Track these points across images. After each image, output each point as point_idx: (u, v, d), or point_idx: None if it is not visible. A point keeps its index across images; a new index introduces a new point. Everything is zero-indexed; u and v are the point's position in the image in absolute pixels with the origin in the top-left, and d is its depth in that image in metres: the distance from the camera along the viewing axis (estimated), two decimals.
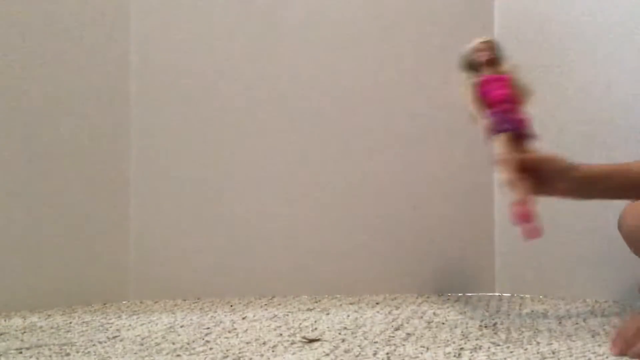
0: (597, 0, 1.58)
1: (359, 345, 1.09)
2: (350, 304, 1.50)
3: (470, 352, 1.04)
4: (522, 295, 1.63)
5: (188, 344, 1.12)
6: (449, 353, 1.04)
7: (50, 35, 1.51)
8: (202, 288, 1.61)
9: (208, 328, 1.26)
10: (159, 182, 1.63)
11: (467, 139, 1.70)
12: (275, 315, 1.38)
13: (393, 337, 1.16)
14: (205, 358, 1.02)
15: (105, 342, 1.14)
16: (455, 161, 1.69)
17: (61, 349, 1.09)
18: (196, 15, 1.65)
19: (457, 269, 1.64)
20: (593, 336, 1.16)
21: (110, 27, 1.60)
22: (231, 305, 1.50)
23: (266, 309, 1.45)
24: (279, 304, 1.51)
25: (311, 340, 1.13)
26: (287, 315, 1.38)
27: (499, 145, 1.22)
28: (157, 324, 1.30)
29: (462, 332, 1.20)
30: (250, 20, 1.66)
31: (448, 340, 1.13)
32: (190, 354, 1.05)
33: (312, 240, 1.60)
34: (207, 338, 1.17)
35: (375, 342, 1.12)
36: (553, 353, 1.03)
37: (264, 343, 1.12)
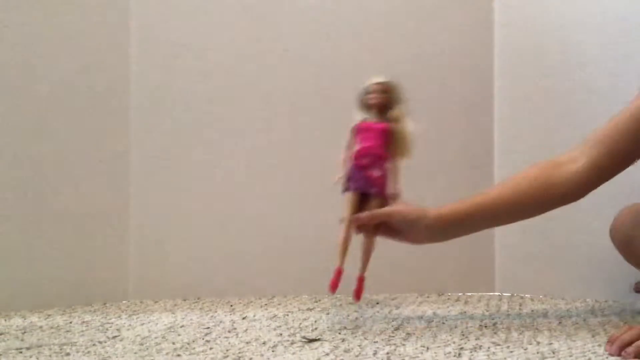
0: (597, 1, 1.59)
1: (359, 345, 1.09)
2: (350, 303, 1.50)
3: (470, 352, 1.04)
4: (522, 295, 1.63)
5: (188, 343, 1.12)
6: (449, 353, 1.04)
7: (51, 35, 1.51)
8: (202, 288, 1.61)
9: (208, 328, 1.26)
10: (159, 182, 1.63)
11: (466, 138, 1.71)
12: (275, 315, 1.38)
13: (393, 336, 1.16)
14: (205, 358, 1.02)
15: (105, 342, 1.14)
16: (454, 160, 1.70)
17: (61, 349, 1.09)
18: (196, 15, 1.65)
19: (457, 269, 1.64)
20: (593, 336, 1.16)
21: (111, 27, 1.60)
22: (231, 305, 1.50)
23: (266, 309, 1.45)
24: (279, 304, 1.51)
25: (311, 340, 1.13)
26: (287, 315, 1.38)
27: (345, 202, 1.22)
28: (157, 324, 1.30)
29: (462, 331, 1.20)
30: (250, 20, 1.66)
31: (448, 340, 1.13)
32: (190, 354, 1.05)
33: (312, 240, 1.60)
34: (207, 338, 1.17)
35: (375, 342, 1.12)
36: (553, 353, 1.03)
37: (264, 343, 1.12)
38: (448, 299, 1.59)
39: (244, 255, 1.64)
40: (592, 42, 1.58)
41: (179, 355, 1.04)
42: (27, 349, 1.09)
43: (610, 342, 1.03)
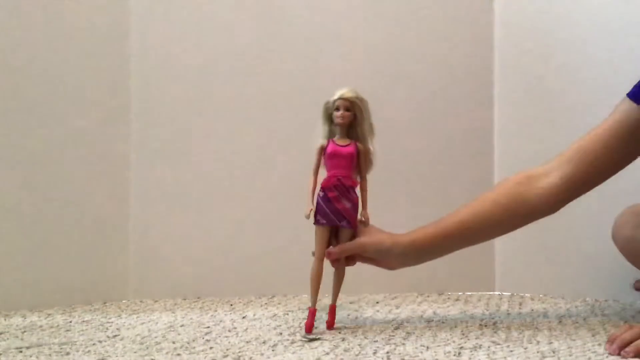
0: (597, 1, 1.59)
1: (358, 345, 1.09)
2: (350, 303, 1.50)
3: (470, 351, 1.04)
4: (522, 294, 1.63)
5: (188, 343, 1.12)
6: (449, 352, 1.04)
7: (51, 35, 1.51)
8: (202, 287, 1.61)
9: (208, 327, 1.26)
10: (159, 182, 1.63)
11: (465, 137, 1.70)
12: (275, 315, 1.38)
13: (393, 336, 1.16)
14: (206, 357, 1.02)
15: (106, 341, 1.14)
16: (455, 160, 1.70)
17: (61, 348, 1.09)
18: (196, 15, 1.65)
19: (457, 269, 1.64)
20: (593, 335, 1.16)
21: (111, 27, 1.60)
22: (231, 305, 1.50)
23: (266, 308, 1.45)
24: (279, 303, 1.51)
25: (311, 340, 1.13)
26: (287, 314, 1.38)
27: (316, 236, 1.21)
28: (157, 323, 1.30)
29: (462, 331, 1.20)
30: (251, 20, 1.66)
31: (448, 339, 1.13)
32: (191, 353, 1.05)
33: (313, 240, 1.60)
34: (207, 337, 1.17)
35: (375, 341, 1.12)
36: (553, 352, 1.03)
37: (264, 342, 1.12)
38: (448, 298, 1.59)
39: (244, 255, 1.64)
40: (593, 42, 1.58)
41: (179, 354, 1.04)
42: (27, 348, 1.09)
43: (610, 341, 1.03)
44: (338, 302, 1.24)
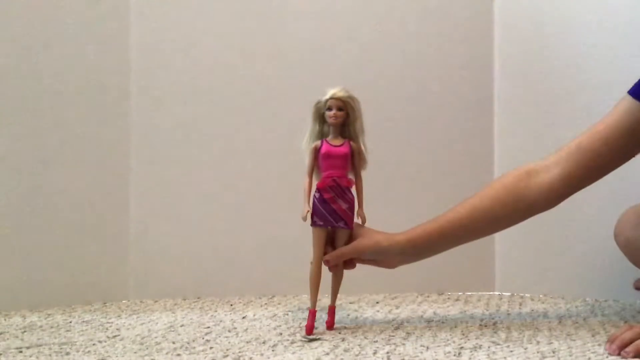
0: (597, 0, 1.59)
1: (358, 345, 1.09)
2: (350, 303, 1.50)
3: (470, 351, 1.04)
4: (522, 295, 1.63)
5: (188, 343, 1.12)
6: (449, 352, 1.04)
7: (51, 35, 1.51)
8: (202, 287, 1.61)
9: (208, 327, 1.26)
10: (159, 182, 1.63)
11: (465, 137, 1.70)
12: (275, 315, 1.38)
13: (393, 336, 1.16)
14: (206, 357, 1.02)
15: (105, 342, 1.14)
16: (455, 160, 1.70)
17: (61, 348, 1.09)
18: (196, 15, 1.65)
19: (457, 269, 1.64)
20: (593, 335, 1.16)
21: (111, 27, 1.60)
22: (231, 305, 1.50)
23: (266, 308, 1.45)
24: (279, 303, 1.51)
25: (311, 340, 1.13)
26: (287, 314, 1.38)
27: (313, 238, 1.21)
28: (157, 323, 1.30)
29: (462, 331, 1.20)
30: (251, 20, 1.66)
31: (448, 340, 1.13)
32: (191, 353, 1.05)
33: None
34: (207, 337, 1.17)
35: (375, 341, 1.12)
36: (553, 352, 1.03)
37: (264, 342, 1.12)
38: (448, 298, 1.59)
39: (244, 255, 1.64)
40: (593, 42, 1.58)
41: (179, 354, 1.04)
42: (27, 348, 1.09)
43: (610, 341, 1.03)
44: (338, 302, 1.24)
